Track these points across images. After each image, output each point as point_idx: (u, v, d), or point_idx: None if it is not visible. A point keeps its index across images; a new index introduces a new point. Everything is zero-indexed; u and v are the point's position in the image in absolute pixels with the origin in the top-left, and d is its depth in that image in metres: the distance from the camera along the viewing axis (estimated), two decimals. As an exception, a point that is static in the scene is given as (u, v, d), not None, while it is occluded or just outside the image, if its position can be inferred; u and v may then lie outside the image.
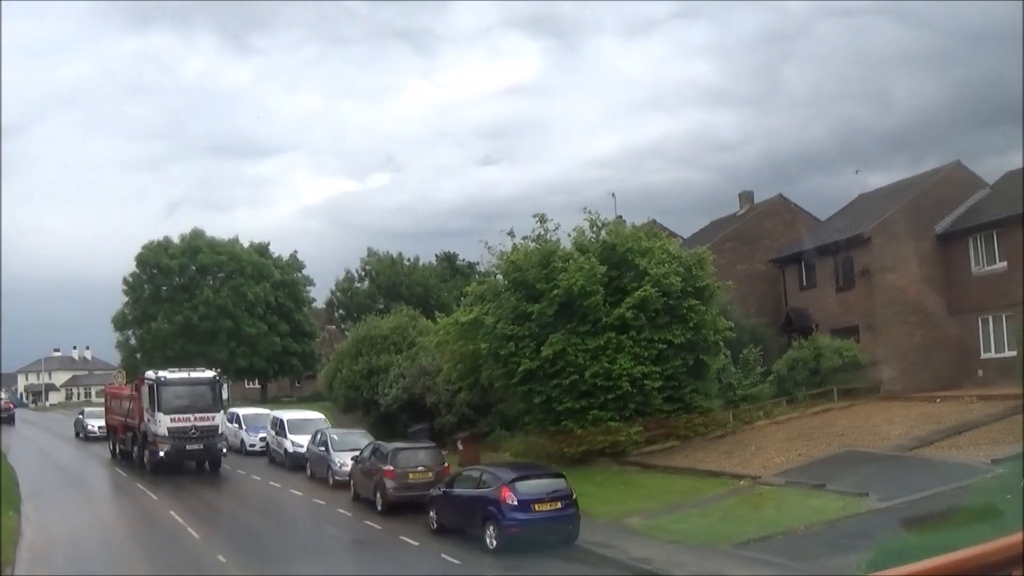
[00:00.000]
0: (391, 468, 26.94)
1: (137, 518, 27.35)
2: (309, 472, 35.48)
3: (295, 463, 37.53)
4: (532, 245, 34.27)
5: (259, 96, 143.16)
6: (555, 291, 32.15)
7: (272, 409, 47.06)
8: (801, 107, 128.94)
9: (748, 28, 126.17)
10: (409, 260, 79.88)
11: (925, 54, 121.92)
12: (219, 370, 39.09)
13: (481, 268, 78.67)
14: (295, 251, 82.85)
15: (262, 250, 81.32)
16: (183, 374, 36.63)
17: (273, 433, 40.98)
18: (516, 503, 21.25)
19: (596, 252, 33.43)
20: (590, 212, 35.68)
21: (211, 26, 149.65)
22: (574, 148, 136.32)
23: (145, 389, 35.98)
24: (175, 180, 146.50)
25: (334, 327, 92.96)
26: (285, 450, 39.08)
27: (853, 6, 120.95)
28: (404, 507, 26.28)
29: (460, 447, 35.64)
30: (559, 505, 21.58)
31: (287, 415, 41.54)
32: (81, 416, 54.98)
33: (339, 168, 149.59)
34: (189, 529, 24.29)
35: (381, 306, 72.57)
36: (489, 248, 34.40)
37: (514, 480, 21.72)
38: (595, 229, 35.13)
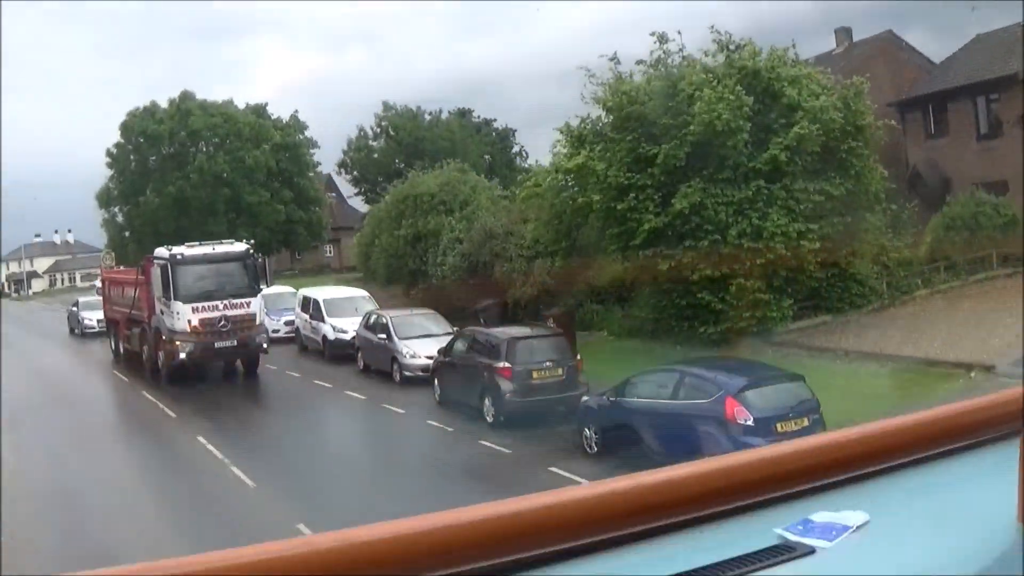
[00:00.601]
0: (507, 365, 19.64)
1: (156, 451, 20.03)
2: (361, 365, 28.29)
3: (337, 353, 30.32)
4: (649, 71, 26.43)
5: None
6: (688, 128, 24.53)
7: (294, 287, 39.41)
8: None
9: None
10: (430, 113, 70.97)
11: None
12: (252, 242, 31.27)
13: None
14: (296, 111, 74.46)
15: (260, 111, 72.62)
16: (205, 248, 28.37)
17: (306, 317, 33.52)
18: (751, 423, 14.10)
19: (735, 80, 25.61)
20: (717, 31, 27.76)
21: None
22: (555, 15, 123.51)
23: (156, 272, 27.62)
24: (149, 66, 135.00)
25: (334, 195, 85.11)
26: (324, 337, 31.71)
27: None
28: (526, 418, 19.18)
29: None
30: (806, 422, 14.42)
31: (322, 294, 34.02)
32: (75, 308, 46.30)
33: (316, 45, 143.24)
34: (235, 469, 16.74)
35: (401, 166, 64.57)
36: (591, 76, 26.46)
37: (744, 389, 14.48)
38: (727, 51, 27.24)
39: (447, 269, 34.98)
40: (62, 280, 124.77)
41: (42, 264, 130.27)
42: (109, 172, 71.63)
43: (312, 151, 73.89)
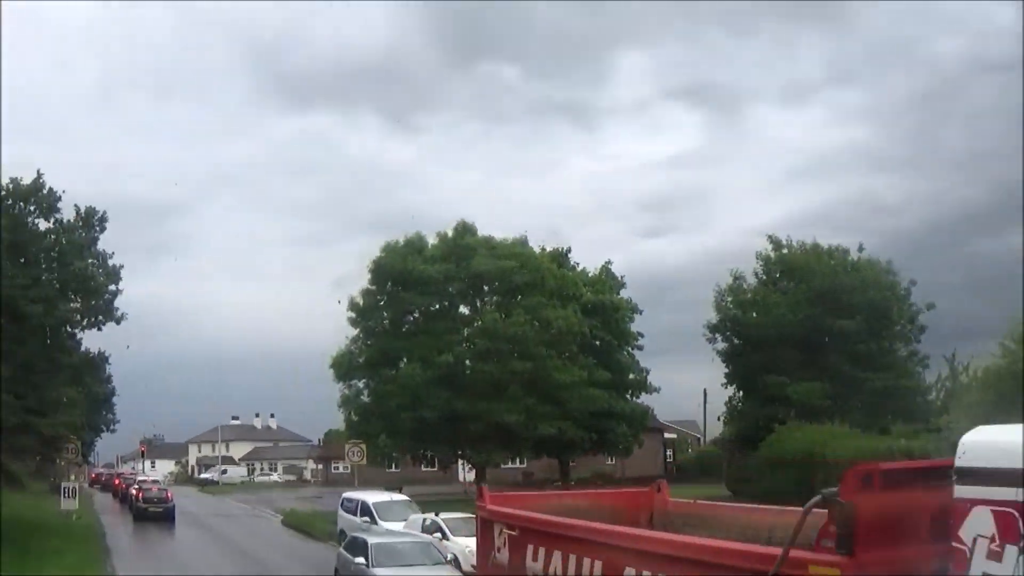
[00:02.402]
0: None
1: None
2: None
3: None
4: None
5: (423, 174, 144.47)
6: None
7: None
8: (961, 167, 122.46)
9: (903, 89, 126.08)
10: (837, 249, 47.97)
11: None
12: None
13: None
14: (608, 261, 54.08)
15: (560, 257, 52.87)
16: None
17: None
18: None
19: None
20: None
21: (374, 106, 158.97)
22: (736, 217, 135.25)
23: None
24: (342, 257, 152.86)
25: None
26: None
27: (1007, 60, 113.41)
28: None
29: None
30: None
31: None
32: (363, 563, 21.08)
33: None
34: None
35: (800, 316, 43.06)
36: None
37: None
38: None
39: None
40: (262, 468, 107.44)
41: (239, 450, 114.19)
42: (352, 331, 52.39)
43: (631, 315, 53.14)
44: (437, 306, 50.72)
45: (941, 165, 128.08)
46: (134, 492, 49.41)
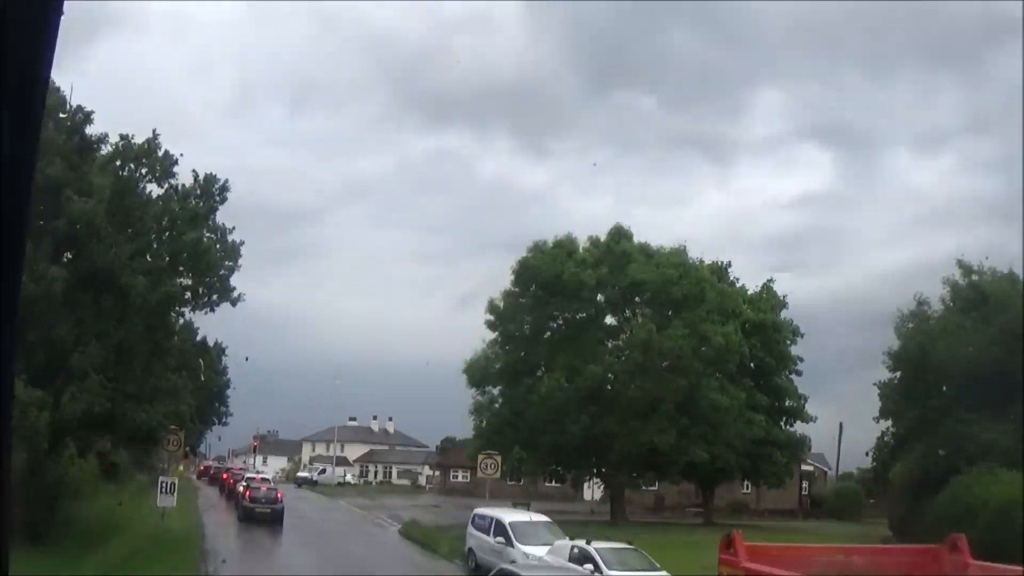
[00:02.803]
0: None
1: None
2: None
3: None
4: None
5: (553, 197, 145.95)
6: None
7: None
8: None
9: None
10: None
11: None
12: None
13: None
14: (770, 279, 50.36)
15: (719, 272, 49.40)
16: None
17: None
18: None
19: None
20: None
21: (508, 128, 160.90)
22: (864, 260, 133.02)
23: None
24: (467, 274, 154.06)
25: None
26: None
27: None
28: None
29: None
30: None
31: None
32: None
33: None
34: None
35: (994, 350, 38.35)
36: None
37: None
38: None
39: None
40: (375, 473, 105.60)
41: (353, 451, 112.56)
42: (489, 335, 49.66)
43: (793, 339, 49.30)
44: (584, 314, 47.68)
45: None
46: (241, 489, 46.78)
